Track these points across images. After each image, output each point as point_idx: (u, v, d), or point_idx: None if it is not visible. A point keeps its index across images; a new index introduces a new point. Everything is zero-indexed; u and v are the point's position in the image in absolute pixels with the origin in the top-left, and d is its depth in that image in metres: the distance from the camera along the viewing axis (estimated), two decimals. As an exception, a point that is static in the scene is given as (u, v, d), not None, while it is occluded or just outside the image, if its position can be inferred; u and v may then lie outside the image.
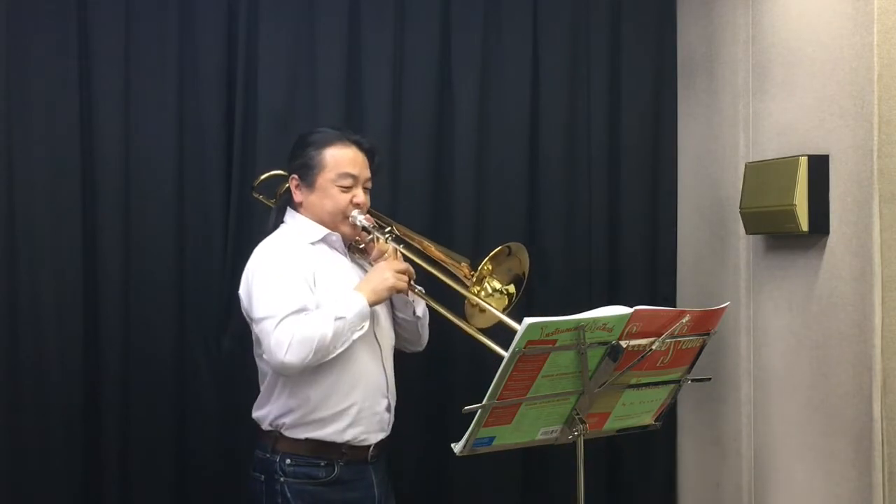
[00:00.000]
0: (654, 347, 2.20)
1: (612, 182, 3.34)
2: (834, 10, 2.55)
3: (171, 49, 3.07)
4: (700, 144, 3.26)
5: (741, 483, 3.02)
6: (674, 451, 3.40)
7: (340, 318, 2.37)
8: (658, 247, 3.38)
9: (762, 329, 2.92)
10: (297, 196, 2.58)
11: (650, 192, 3.37)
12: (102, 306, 3.02)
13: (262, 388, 2.53)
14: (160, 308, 3.05)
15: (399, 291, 2.53)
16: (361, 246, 2.64)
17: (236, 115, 3.09)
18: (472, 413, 2.12)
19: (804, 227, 2.60)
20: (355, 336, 2.41)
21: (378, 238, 2.57)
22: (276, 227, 2.62)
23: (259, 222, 2.88)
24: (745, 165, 2.92)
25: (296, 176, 2.58)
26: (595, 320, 2.12)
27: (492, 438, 2.21)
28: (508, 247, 2.59)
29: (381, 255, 2.55)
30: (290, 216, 2.60)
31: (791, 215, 2.61)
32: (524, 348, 2.05)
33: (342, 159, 2.55)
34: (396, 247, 2.57)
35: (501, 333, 2.39)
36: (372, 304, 2.45)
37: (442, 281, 2.57)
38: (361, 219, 2.55)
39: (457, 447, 2.18)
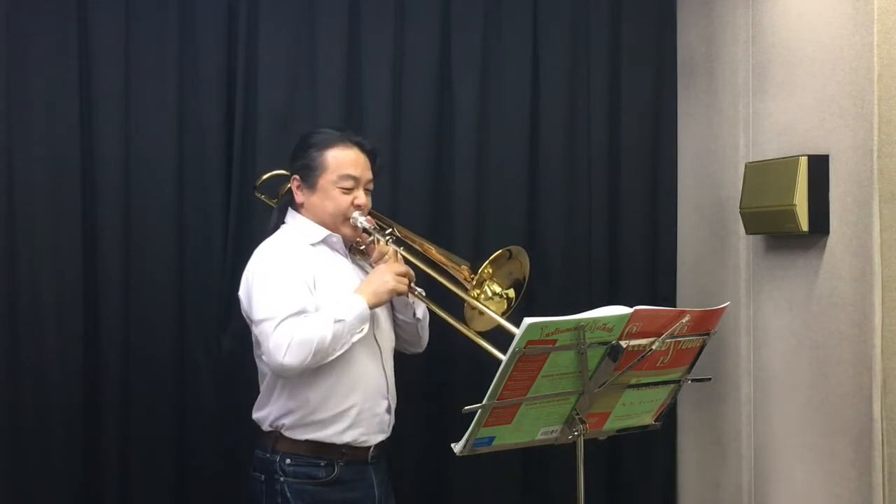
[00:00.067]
0: (654, 347, 2.20)
1: (612, 182, 3.34)
2: (834, 10, 2.55)
3: (171, 49, 3.07)
4: (700, 144, 3.26)
5: (741, 483, 3.02)
6: (674, 451, 3.40)
7: (340, 320, 2.37)
8: (658, 247, 3.38)
9: (762, 329, 2.92)
10: (299, 197, 2.58)
11: (650, 192, 3.37)
12: (102, 306, 3.02)
13: (262, 390, 2.53)
14: (160, 308, 3.05)
15: (399, 294, 2.52)
16: (362, 247, 2.64)
17: (236, 115, 3.09)
18: (472, 413, 2.12)
19: (804, 227, 2.61)
20: (355, 339, 2.40)
21: (379, 240, 2.56)
22: (276, 227, 2.62)
23: (259, 222, 2.88)
24: (745, 165, 2.92)
25: (297, 177, 2.58)
26: (595, 320, 2.12)
27: (492, 438, 2.21)
28: (509, 250, 2.58)
29: (382, 257, 2.54)
30: (291, 217, 2.60)
31: (791, 215, 2.61)
32: (524, 348, 2.05)
33: (344, 161, 2.54)
34: (397, 249, 2.57)
35: (500, 337, 2.39)
36: (372, 307, 2.45)
37: (442, 284, 2.57)
38: (362, 220, 2.55)
39: (457, 447, 2.17)
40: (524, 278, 2.63)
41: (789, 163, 2.65)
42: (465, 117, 3.23)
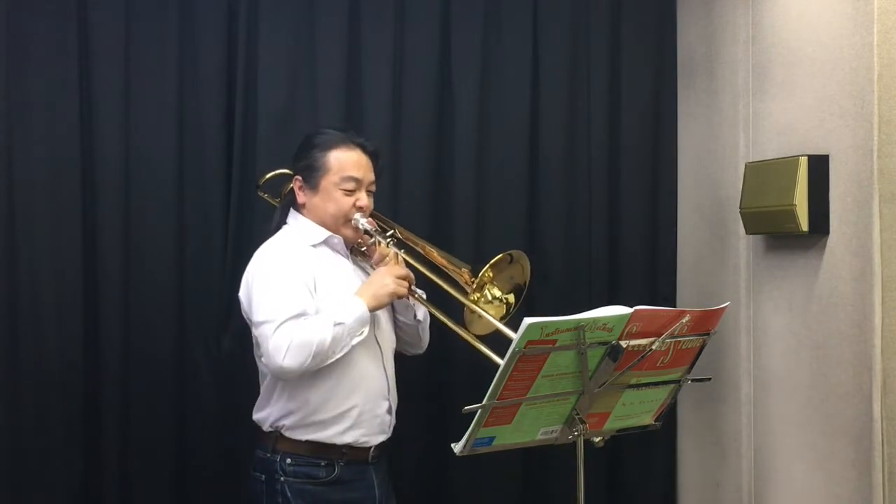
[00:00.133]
0: (654, 347, 2.20)
1: (612, 182, 3.34)
2: (834, 10, 2.55)
3: (171, 49, 3.07)
4: (700, 144, 3.26)
5: (741, 483, 3.02)
6: (674, 451, 3.40)
7: (340, 323, 2.37)
8: (658, 247, 3.38)
9: (762, 329, 2.92)
10: (301, 197, 2.58)
11: (650, 192, 3.37)
12: (102, 306, 3.02)
13: (262, 391, 2.53)
14: (160, 308, 3.05)
15: (399, 297, 2.52)
16: (364, 249, 2.63)
17: (236, 115, 3.09)
18: (472, 413, 2.12)
19: (804, 227, 2.61)
20: (355, 341, 2.40)
21: (380, 242, 2.56)
22: (278, 227, 2.61)
23: (259, 222, 2.88)
24: (745, 165, 2.92)
25: (300, 177, 2.58)
26: (595, 320, 2.12)
27: (492, 438, 2.21)
28: (510, 254, 2.57)
29: (383, 259, 2.54)
30: (293, 217, 2.60)
31: (791, 215, 2.61)
32: (524, 348, 2.05)
33: (346, 162, 2.54)
34: (398, 251, 2.56)
35: (499, 340, 2.38)
36: (372, 310, 2.44)
37: (442, 287, 2.57)
38: (364, 222, 2.55)
39: (457, 447, 2.17)
40: (525, 283, 2.62)
41: (789, 163, 2.65)
42: (465, 117, 3.23)
